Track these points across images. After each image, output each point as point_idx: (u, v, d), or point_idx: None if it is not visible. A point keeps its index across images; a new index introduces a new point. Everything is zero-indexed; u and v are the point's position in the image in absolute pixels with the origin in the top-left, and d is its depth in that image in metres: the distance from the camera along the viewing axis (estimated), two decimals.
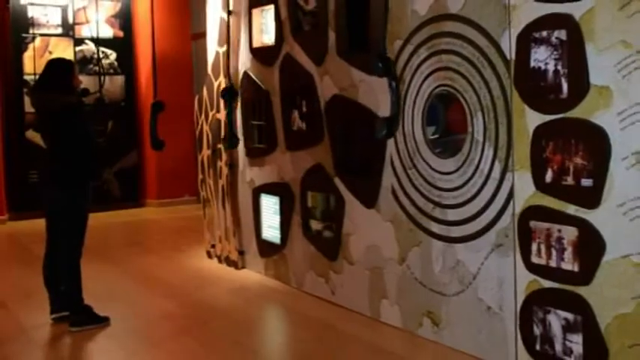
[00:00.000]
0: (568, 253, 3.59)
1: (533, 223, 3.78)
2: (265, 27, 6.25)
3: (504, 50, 3.90)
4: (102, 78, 10.06)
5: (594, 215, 3.45)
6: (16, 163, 9.75)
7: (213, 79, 6.94)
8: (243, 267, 6.65)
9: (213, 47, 6.97)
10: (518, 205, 3.87)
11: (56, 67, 5.13)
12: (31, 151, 9.39)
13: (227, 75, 6.61)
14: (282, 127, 5.95)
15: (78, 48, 10.05)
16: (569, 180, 3.56)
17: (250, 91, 6.41)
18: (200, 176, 7.38)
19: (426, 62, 4.43)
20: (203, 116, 7.14)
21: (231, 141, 6.48)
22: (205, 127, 7.10)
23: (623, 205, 3.33)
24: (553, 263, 3.68)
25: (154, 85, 5.62)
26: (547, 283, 3.74)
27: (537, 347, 3.82)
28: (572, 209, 3.56)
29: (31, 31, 9.68)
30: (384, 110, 4.71)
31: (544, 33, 3.63)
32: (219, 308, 5.57)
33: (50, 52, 9.63)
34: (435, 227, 4.45)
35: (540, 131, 3.71)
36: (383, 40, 4.65)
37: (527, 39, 3.73)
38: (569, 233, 3.58)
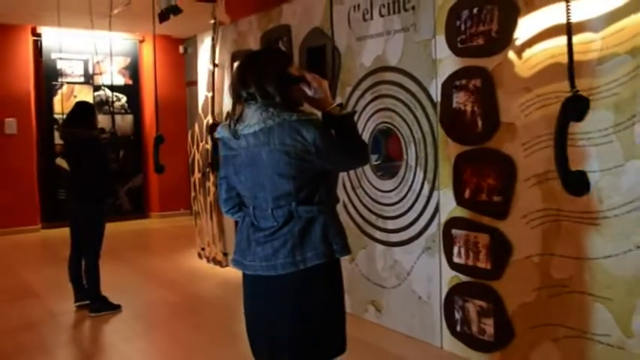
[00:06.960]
0: (482, 255, 3.50)
1: (454, 231, 3.67)
2: None
3: (432, 95, 3.80)
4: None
5: (503, 224, 3.36)
6: (48, 184, 9.46)
7: (202, 118, 6.77)
8: (226, 265, 6.45)
9: (203, 92, 6.83)
10: (443, 216, 3.76)
11: (82, 108, 4.98)
12: (59, 174, 9.16)
13: (213, 114, 6.47)
14: None
15: (96, 93, 9.79)
16: (483, 197, 3.47)
17: None
18: (192, 194, 7.20)
19: (371, 104, 4.32)
20: (195, 146, 6.96)
21: (216, 166, 6.33)
22: (197, 155, 6.92)
23: (526, 217, 3.24)
24: (470, 262, 3.57)
25: (156, 122, 5.47)
26: (465, 278, 3.63)
27: (458, 329, 3.70)
28: (485, 220, 3.46)
29: (59, 80, 9.44)
30: None
31: (463, 81, 3.55)
32: (207, 298, 5.39)
33: (75, 97, 9.36)
34: (378, 234, 4.32)
35: (460, 158, 3.61)
36: (336, 87, 4.54)
37: (450, 86, 3.64)
38: (483, 239, 3.48)
